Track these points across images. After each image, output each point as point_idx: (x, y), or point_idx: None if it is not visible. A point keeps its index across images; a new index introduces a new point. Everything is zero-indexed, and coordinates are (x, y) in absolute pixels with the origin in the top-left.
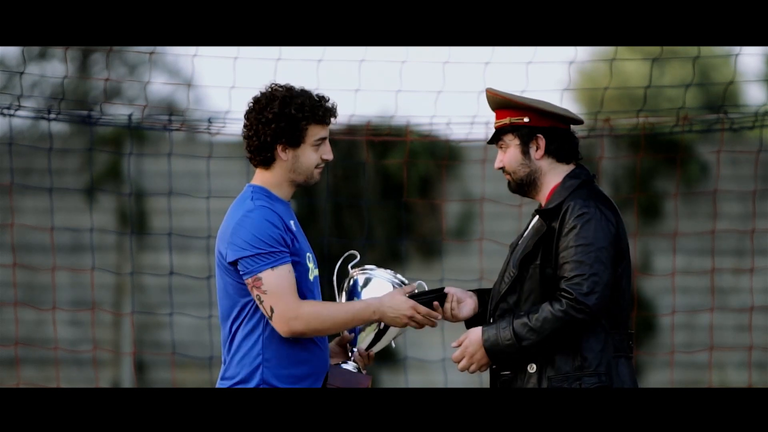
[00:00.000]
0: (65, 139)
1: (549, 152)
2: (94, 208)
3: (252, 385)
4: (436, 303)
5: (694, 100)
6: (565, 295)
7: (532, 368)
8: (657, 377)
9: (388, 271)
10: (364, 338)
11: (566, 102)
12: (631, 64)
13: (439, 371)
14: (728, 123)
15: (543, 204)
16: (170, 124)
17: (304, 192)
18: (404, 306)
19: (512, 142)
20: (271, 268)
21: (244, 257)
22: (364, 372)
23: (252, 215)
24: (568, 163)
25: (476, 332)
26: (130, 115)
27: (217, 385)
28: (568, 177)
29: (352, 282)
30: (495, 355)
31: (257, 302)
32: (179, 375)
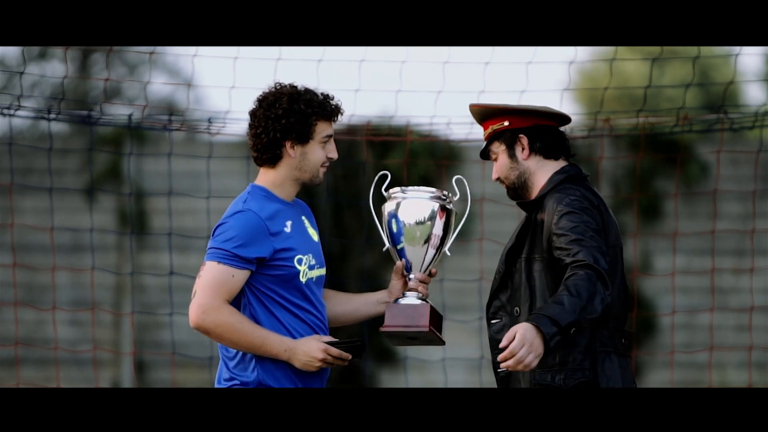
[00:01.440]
0: (65, 139)
1: (534, 150)
2: (94, 208)
3: (249, 386)
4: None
5: (694, 100)
6: (579, 265)
7: None
8: (657, 377)
9: (425, 188)
10: (417, 260)
11: (566, 102)
12: (631, 64)
13: (439, 371)
14: (728, 123)
15: None
16: (170, 124)
17: (304, 192)
18: (316, 349)
19: (500, 149)
20: (218, 262)
21: (210, 247)
22: (426, 300)
23: (234, 217)
24: (556, 159)
25: (525, 324)
26: (130, 115)
27: (216, 387)
28: (556, 173)
29: (387, 211)
30: (557, 336)
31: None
32: (179, 375)
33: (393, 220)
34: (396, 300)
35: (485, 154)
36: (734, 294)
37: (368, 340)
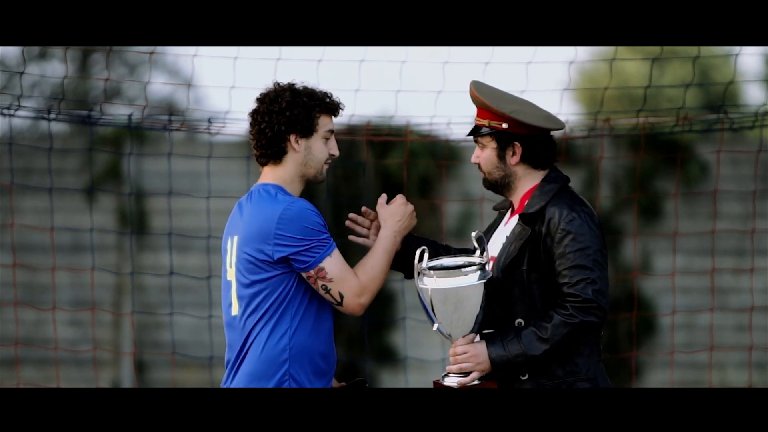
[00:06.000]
0: (65, 139)
1: (525, 159)
2: (94, 208)
3: (276, 379)
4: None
5: (694, 100)
6: (571, 299)
7: (525, 376)
8: (657, 377)
9: (457, 260)
10: (456, 334)
11: (566, 102)
12: (631, 64)
13: (439, 371)
14: (728, 123)
15: (518, 205)
16: (170, 124)
17: (304, 192)
18: (402, 209)
19: (489, 144)
20: (329, 255)
21: (301, 251)
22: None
23: (293, 207)
24: (543, 169)
25: (481, 346)
26: (130, 115)
27: (233, 383)
28: (546, 181)
29: (420, 294)
30: (503, 367)
31: (322, 292)
32: (179, 375)
33: (426, 302)
34: (445, 376)
35: (474, 135)
36: (734, 294)
37: (368, 340)
